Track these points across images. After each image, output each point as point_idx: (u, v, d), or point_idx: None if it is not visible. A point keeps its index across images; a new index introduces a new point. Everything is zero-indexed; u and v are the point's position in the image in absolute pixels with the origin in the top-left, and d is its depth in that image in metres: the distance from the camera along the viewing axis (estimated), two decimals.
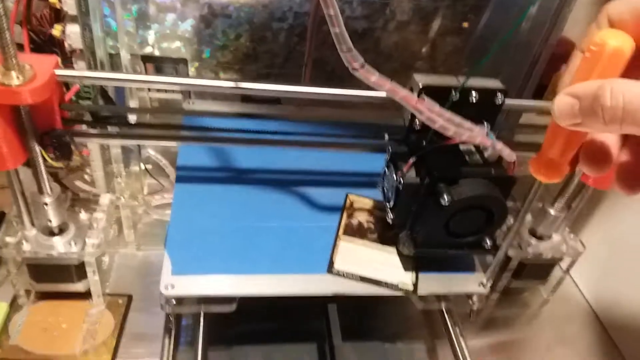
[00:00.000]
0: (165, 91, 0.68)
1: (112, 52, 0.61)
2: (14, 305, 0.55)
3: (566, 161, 0.30)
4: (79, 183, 0.59)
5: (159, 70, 0.67)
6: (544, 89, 0.58)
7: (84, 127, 0.49)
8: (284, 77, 0.70)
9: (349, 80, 0.45)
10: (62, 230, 0.52)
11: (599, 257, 0.65)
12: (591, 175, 0.28)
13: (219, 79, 0.67)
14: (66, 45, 0.52)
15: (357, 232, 0.52)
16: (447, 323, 0.54)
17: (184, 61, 0.67)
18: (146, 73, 0.65)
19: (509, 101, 0.47)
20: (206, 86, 0.44)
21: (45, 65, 0.41)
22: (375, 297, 0.59)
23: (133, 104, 0.61)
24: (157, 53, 0.66)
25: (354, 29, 0.67)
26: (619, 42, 0.24)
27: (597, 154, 0.27)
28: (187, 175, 0.54)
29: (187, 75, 0.65)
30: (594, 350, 0.62)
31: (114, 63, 0.59)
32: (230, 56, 0.68)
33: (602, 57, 0.25)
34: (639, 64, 0.25)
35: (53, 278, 0.54)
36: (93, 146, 0.54)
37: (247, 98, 0.69)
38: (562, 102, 0.25)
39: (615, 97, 0.22)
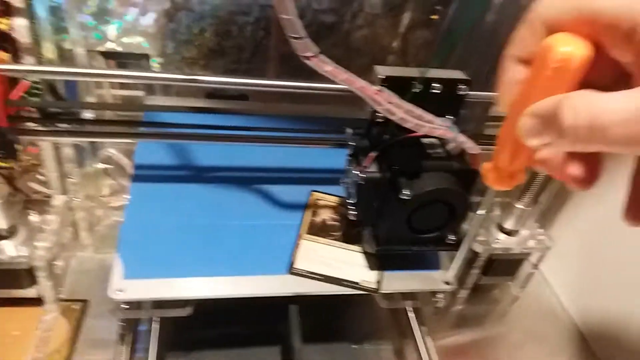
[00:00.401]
0: (129, 87, 0.66)
1: (70, 47, 0.58)
2: None
3: (522, 169, 0.28)
4: (33, 184, 0.57)
5: (121, 67, 0.64)
6: None
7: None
8: (251, 72, 0.69)
9: (318, 76, 0.44)
10: (11, 233, 0.49)
11: (568, 252, 0.65)
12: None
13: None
14: (19, 40, 0.50)
15: (320, 230, 0.50)
16: (412, 323, 0.52)
17: (147, 57, 0.65)
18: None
19: (474, 93, 0.46)
20: (157, 78, 0.42)
21: None
22: (342, 298, 0.58)
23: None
24: (118, 49, 0.64)
25: (321, 22, 0.65)
26: (585, 51, 0.21)
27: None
28: (145, 174, 0.52)
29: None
30: (564, 346, 0.61)
31: (70, 59, 0.56)
32: (195, 51, 0.66)
33: (568, 72, 0.21)
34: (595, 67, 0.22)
35: (3, 284, 0.51)
36: (45, 145, 0.51)
37: (212, 94, 0.68)
38: (526, 124, 0.22)
39: (578, 115, 0.19)
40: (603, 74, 0.22)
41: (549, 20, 0.22)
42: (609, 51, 0.21)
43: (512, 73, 0.24)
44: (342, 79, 0.37)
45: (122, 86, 0.66)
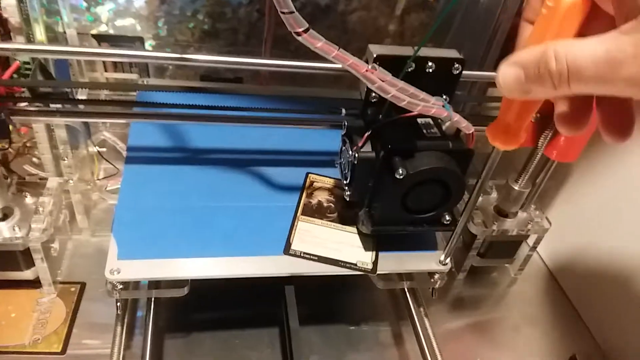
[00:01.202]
0: (123, 70, 0.66)
1: (61, 30, 0.58)
2: None
3: (523, 126, 0.29)
4: (27, 166, 0.56)
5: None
6: None
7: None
8: (245, 55, 0.68)
9: (313, 59, 0.43)
10: (6, 215, 0.49)
11: (566, 234, 0.65)
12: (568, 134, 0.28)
13: None
14: (9, 21, 0.49)
15: (316, 211, 0.50)
16: (409, 304, 0.52)
17: (141, 39, 0.64)
18: None
19: (469, 72, 0.45)
20: (148, 57, 0.42)
21: None
22: (339, 280, 0.58)
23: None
24: (111, 31, 0.64)
25: (316, 3, 0.65)
26: None
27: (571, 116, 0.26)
28: (138, 155, 0.52)
29: None
30: (562, 328, 0.61)
31: (62, 43, 0.56)
32: (189, 34, 0.66)
33: (557, 13, 0.24)
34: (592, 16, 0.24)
35: (0, 265, 0.51)
36: (39, 127, 0.51)
37: (206, 77, 0.67)
38: (507, 73, 0.24)
39: (560, 59, 0.21)
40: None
41: None
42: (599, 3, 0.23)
43: (524, 36, 0.27)
44: (333, 56, 0.36)
45: (116, 69, 0.65)
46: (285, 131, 0.54)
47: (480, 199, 0.60)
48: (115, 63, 0.64)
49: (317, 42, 0.35)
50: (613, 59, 0.20)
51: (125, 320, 0.49)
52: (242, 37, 0.67)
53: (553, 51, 0.22)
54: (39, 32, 0.48)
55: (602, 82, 0.21)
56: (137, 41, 0.65)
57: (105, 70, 0.65)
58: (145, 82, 0.62)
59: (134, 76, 0.66)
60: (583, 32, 0.24)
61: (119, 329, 0.47)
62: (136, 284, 0.46)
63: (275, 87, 0.64)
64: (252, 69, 0.64)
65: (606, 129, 0.26)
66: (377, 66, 0.39)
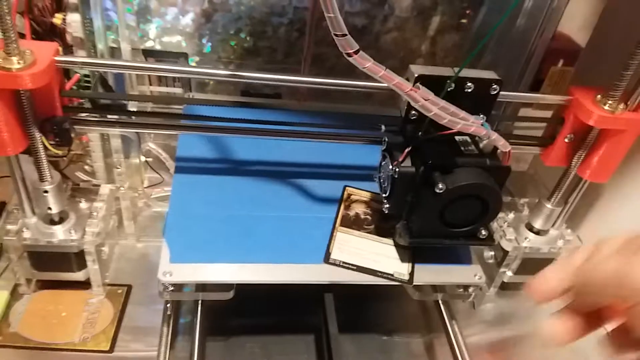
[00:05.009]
0: (167, 85, 0.69)
1: (114, 45, 0.61)
2: (14, 294, 0.55)
3: None
4: (79, 174, 0.60)
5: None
6: (541, 83, 0.59)
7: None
8: (285, 72, 0.71)
9: (349, 77, 0.46)
10: (62, 219, 0.52)
11: None
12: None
13: None
14: (67, 36, 0.53)
15: (354, 223, 0.52)
16: (443, 317, 0.54)
17: (185, 55, 0.68)
18: None
19: (505, 93, 0.47)
20: (203, 73, 0.45)
21: (45, 52, 0.42)
22: (375, 291, 0.60)
23: None
24: (158, 47, 0.67)
25: (353, 24, 0.67)
26: None
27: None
28: (187, 166, 0.55)
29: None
30: (592, 345, 0.61)
31: (115, 57, 0.59)
32: (231, 51, 0.69)
33: None
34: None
35: (53, 266, 0.54)
36: (93, 136, 0.54)
37: (246, 92, 0.70)
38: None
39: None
40: None
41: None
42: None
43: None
44: (380, 75, 0.39)
45: (160, 83, 0.69)
46: (324, 145, 0.56)
47: (512, 216, 0.62)
48: (160, 77, 0.68)
49: (366, 62, 0.38)
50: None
51: (172, 321, 0.51)
52: (280, 55, 0.70)
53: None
54: (100, 47, 0.52)
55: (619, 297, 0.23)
56: (181, 57, 0.68)
57: (151, 84, 0.69)
58: (191, 97, 0.65)
59: (177, 90, 0.69)
60: None
61: (165, 329, 0.50)
62: (181, 287, 0.49)
63: (313, 103, 0.66)
64: (291, 86, 0.67)
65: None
66: (420, 86, 0.42)
